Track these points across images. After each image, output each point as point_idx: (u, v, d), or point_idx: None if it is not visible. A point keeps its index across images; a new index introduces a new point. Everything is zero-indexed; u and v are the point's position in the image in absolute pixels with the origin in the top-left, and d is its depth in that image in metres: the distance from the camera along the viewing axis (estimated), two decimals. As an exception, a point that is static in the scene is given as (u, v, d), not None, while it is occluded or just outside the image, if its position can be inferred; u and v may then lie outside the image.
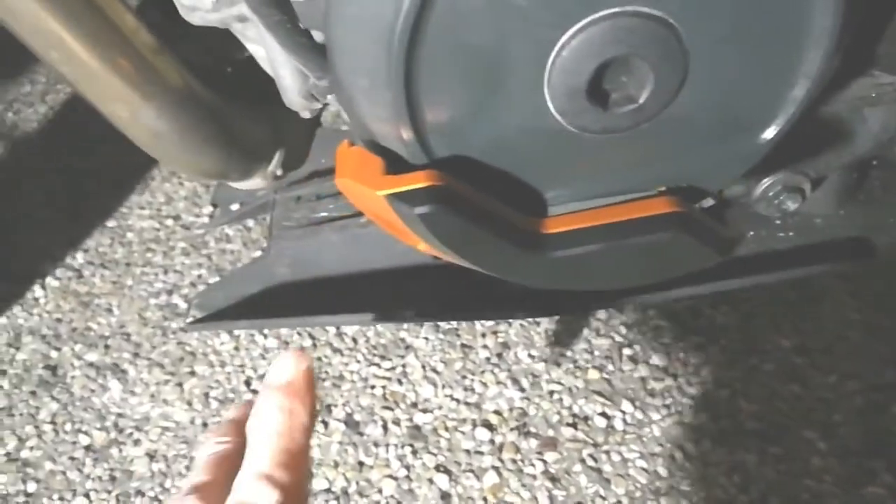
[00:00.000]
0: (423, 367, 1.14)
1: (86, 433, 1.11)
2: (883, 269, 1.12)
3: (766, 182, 0.67)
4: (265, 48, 0.68)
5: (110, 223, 1.45)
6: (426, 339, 1.17)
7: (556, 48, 0.47)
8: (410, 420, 1.08)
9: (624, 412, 1.06)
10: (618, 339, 1.14)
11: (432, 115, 0.50)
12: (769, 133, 0.53)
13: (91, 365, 1.20)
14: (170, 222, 1.44)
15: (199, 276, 1.33)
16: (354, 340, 1.18)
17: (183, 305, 1.28)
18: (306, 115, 0.73)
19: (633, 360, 1.12)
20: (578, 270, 0.53)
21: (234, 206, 1.23)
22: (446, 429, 1.07)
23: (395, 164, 0.52)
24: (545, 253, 0.52)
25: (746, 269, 0.85)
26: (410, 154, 0.51)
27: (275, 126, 0.88)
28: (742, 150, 0.54)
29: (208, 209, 1.44)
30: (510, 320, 1.15)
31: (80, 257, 1.38)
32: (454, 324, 1.18)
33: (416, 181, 0.50)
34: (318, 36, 0.59)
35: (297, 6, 0.55)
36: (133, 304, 1.29)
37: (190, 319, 1.02)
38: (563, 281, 0.55)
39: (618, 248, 0.52)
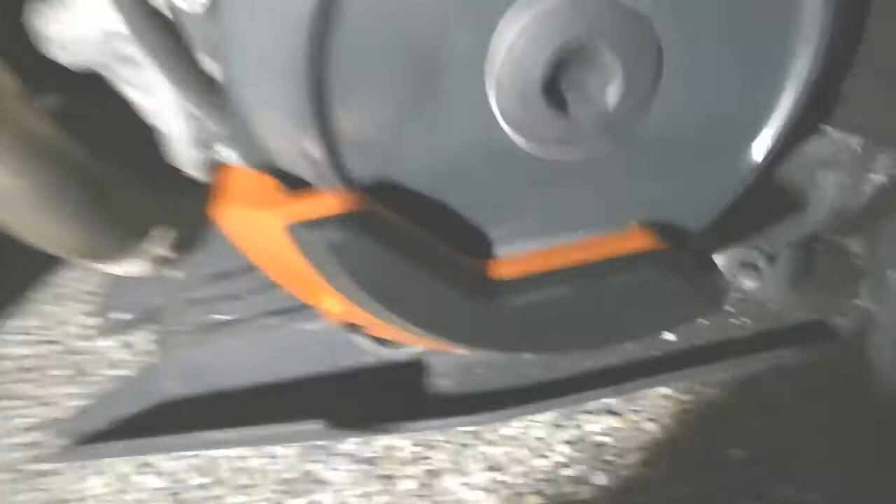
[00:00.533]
0: None
1: None
2: (827, 364, 1.07)
3: (720, 259, 0.61)
4: (149, 91, 0.58)
5: (-22, 350, 1.26)
6: (338, 470, 1.02)
7: (504, 32, 0.39)
8: (323, 569, 0.91)
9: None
10: (558, 458, 1.02)
11: (348, 122, 0.39)
12: (755, 153, 0.47)
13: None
14: (47, 350, 1.27)
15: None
16: (257, 475, 1.02)
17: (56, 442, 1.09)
18: (197, 173, 0.63)
19: (574, 481, 0.99)
20: (535, 326, 0.43)
21: (123, 316, 1.08)
22: (365, 577, 0.90)
23: (297, 190, 0.41)
24: (494, 300, 0.41)
25: (702, 359, 0.77)
26: (319, 175, 0.40)
27: (161, 195, 0.76)
28: (725, 175, 0.47)
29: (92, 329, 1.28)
30: (440, 429, 1.01)
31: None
32: (371, 452, 1.03)
33: (329, 204, 0.38)
34: (212, 67, 0.51)
35: (190, 23, 0.47)
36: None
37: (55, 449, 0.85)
38: (517, 340, 0.43)
39: (584, 297, 0.42)
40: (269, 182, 0.40)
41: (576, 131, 0.41)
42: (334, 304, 0.44)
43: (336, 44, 0.37)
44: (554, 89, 0.40)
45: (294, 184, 0.41)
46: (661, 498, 0.97)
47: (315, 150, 0.39)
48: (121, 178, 0.72)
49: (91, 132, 0.69)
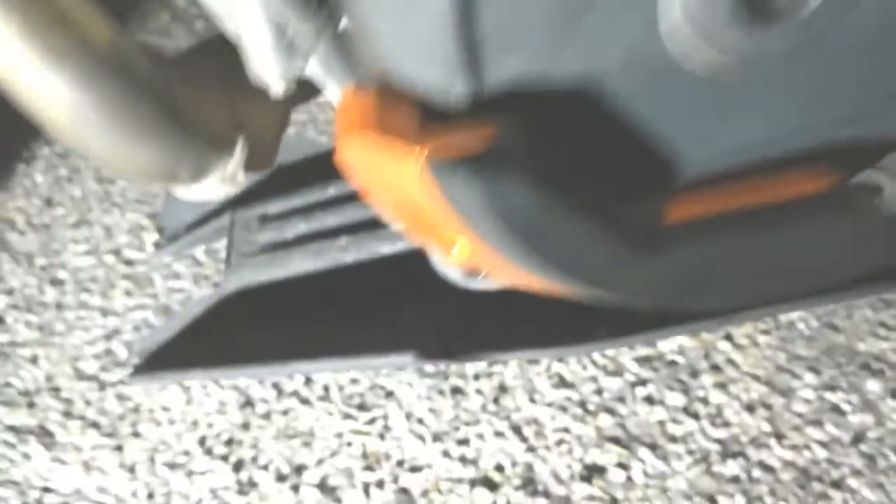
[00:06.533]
0: (408, 417, 0.98)
1: (2, 513, 0.92)
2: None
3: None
4: None
5: (39, 261, 1.26)
6: (409, 384, 1.02)
7: None
8: (396, 482, 0.92)
9: (643, 462, 0.92)
10: (629, 377, 1.01)
11: (500, 43, 0.33)
12: None
13: (10, 429, 1.01)
14: (110, 258, 1.26)
15: (144, 319, 1.16)
16: (326, 389, 1.02)
17: (124, 353, 1.10)
18: (279, 89, 0.57)
19: (648, 400, 0.98)
20: (704, 276, 0.38)
21: (180, 233, 1.06)
22: (439, 491, 0.91)
23: (435, 118, 0.35)
24: (661, 250, 0.37)
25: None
26: (459, 97, 0.34)
27: (236, 110, 0.69)
28: None
29: (154, 235, 1.27)
30: (526, 359, 1.00)
31: (1, 301, 1.19)
32: (442, 366, 1.03)
33: (479, 139, 0.33)
34: None
35: None
36: (65, 354, 1.11)
37: (131, 370, 0.85)
38: (685, 294, 0.39)
39: (761, 244, 0.38)
40: (407, 108, 0.34)
41: (765, 43, 0.34)
42: (466, 249, 0.40)
43: None
44: None
45: (426, 113, 0.36)
46: (737, 423, 0.95)
47: (458, 76, 0.32)
48: (196, 89, 0.66)
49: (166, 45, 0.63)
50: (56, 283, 1.23)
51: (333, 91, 0.57)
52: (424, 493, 0.91)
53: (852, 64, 0.37)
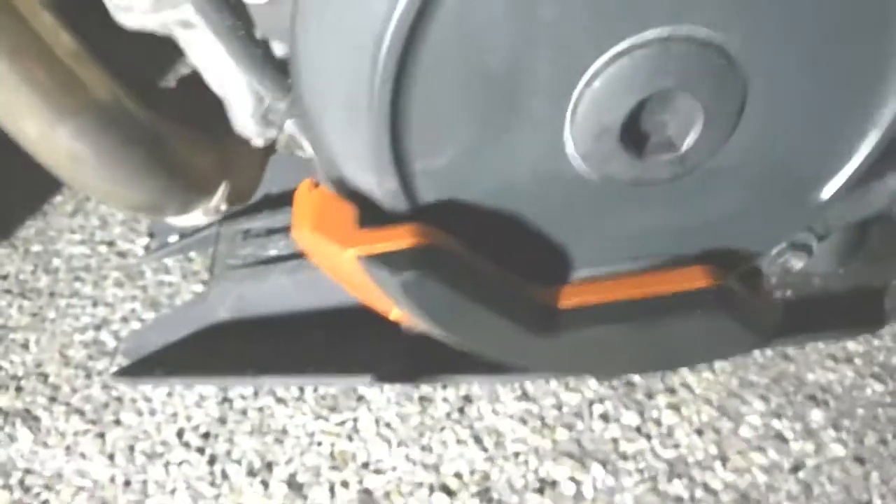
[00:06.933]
0: (377, 421, 1.04)
1: (-14, 491, 0.97)
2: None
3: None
4: (213, 61, 0.57)
5: (35, 247, 1.31)
6: (381, 389, 1.07)
7: (587, 76, 0.38)
8: (361, 482, 0.98)
9: (594, 477, 0.98)
10: (588, 394, 1.06)
11: (423, 153, 0.40)
12: (827, 191, 0.46)
13: (-1, 411, 1.06)
14: (103, 249, 1.31)
15: (133, 311, 1.21)
16: (301, 390, 1.07)
17: (112, 343, 1.15)
18: (259, 143, 0.63)
19: (604, 418, 1.04)
20: (594, 353, 0.44)
21: (173, 238, 1.11)
22: (400, 493, 0.97)
23: (370, 211, 0.42)
24: (557, 333, 0.43)
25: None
26: (390, 201, 0.41)
27: (221, 153, 0.76)
28: (793, 210, 0.46)
29: (146, 237, 1.32)
30: (482, 382, 1.05)
31: (-4, 286, 1.24)
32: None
33: (400, 239, 0.40)
34: (277, 48, 0.50)
35: (254, 10, 0.46)
36: (54, 341, 1.16)
37: (115, 368, 0.90)
38: (577, 366, 0.45)
39: (642, 331, 0.44)
40: (346, 210, 0.41)
41: (648, 172, 0.40)
42: (401, 317, 0.47)
43: (419, 72, 0.36)
44: (631, 131, 0.39)
45: (360, 200, 0.42)
46: (687, 444, 1.01)
47: (388, 178, 0.39)
48: (184, 136, 0.72)
49: (156, 91, 0.68)
50: (50, 270, 1.28)
51: (308, 149, 0.62)
52: (386, 495, 0.97)
53: (726, 182, 0.42)
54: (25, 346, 1.15)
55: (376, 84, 0.35)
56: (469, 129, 0.39)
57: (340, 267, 0.43)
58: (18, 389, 1.09)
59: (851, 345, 1.11)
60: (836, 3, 0.37)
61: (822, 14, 0.38)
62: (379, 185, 0.40)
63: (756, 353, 1.10)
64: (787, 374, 1.08)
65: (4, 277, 1.26)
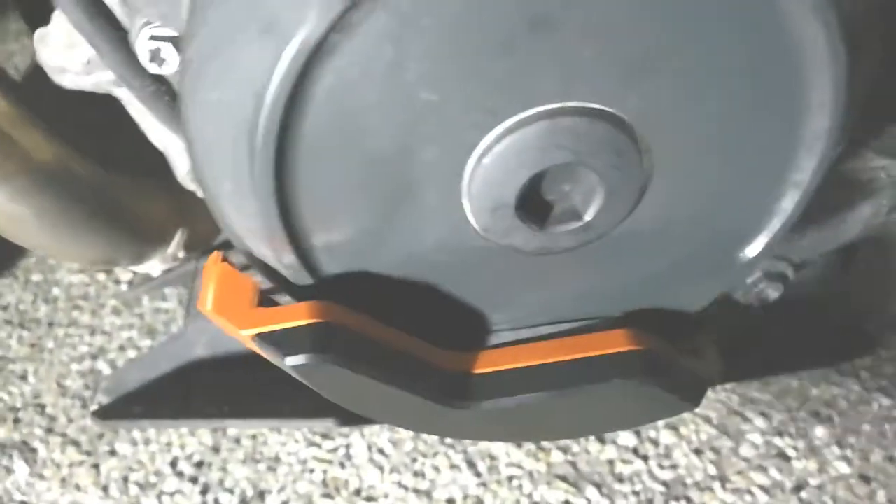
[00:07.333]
0: (370, 447, 1.03)
1: (-18, 525, 0.98)
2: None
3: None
4: (149, 119, 0.57)
5: (35, 277, 1.33)
6: (374, 413, 1.06)
7: (476, 155, 0.37)
8: (352, 510, 0.97)
9: (589, 500, 0.96)
10: (583, 415, 1.04)
11: (319, 229, 0.39)
12: (751, 251, 0.44)
13: (-4, 443, 1.07)
14: (101, 276, 1.32)
15: (129, 339, 1.21)
16: (295, 415, 1.07)
17: (108, 371, 1.16)
18: (202, 195, 0.62)
19: (600, 439, 1.02)
20: (511, 420, 0.43)
21: (156, 273, 1.11)
22: (392, 521, 0.96)
23: (278, 283, 0.42)
24: (469, 402, 0.42)
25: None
26: (293, 274, 0.41)
27: (176, 201, 0.75)
28: (717, 271, 0.45)
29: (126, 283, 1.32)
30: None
31: (-4, 317, 1.25)
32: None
33: (295, 318, 0.39)
34: None
35: (171, 78, 0.45)
36: (52, 371, 1.17)
37: (95, 407, 0.91)
38: (494, 434, 0.44)
39: (560, 398, 0.42)
40: (245, 286, 0.41)
41: (551, 241, 0.39)
42: None
43: (299, 154, 0.35)
44: (529, 204, 0.38)
45: (267, 271, 0.42)
46: (684, 465, 0.98)
47: (282, 254, 0.39)
48: (135, 188, 0.72)
49: (107, 144, 0.68)
50: (50, 300, 1.29)
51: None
52: (378, 523, 0.95)
53: (640, 245, 0.41)
54: (24, 377, 1.16)
55: (257, 163, 0.34)
56: (364, 209, 0.38)
57: (241, 340, 0.43)
58: (16, 421, 1.10)
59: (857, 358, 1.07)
60: (736, 74, 0.36)
61: (723, 84, 0.36)
62: (277, 259, 0.39)
63: (757, 368, 1.07)
64: (790, 389, 1.05)
65: (5, 308, 1.27)
